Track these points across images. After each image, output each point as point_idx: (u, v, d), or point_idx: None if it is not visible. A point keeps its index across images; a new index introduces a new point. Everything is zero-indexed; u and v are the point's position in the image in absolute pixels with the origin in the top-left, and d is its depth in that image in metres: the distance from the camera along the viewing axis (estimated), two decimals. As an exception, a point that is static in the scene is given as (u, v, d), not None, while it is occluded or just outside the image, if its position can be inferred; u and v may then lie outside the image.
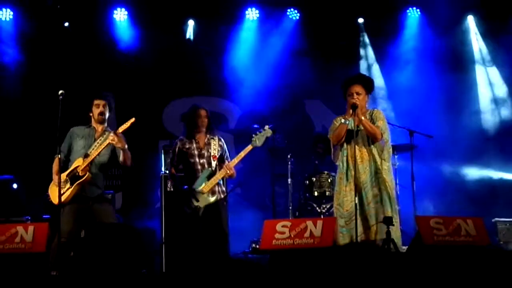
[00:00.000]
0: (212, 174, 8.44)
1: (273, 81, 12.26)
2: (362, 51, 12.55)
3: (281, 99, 12.20)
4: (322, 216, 9.96)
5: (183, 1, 12.16)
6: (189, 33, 12.29)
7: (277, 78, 12.27)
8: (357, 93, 7.98)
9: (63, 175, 8.02)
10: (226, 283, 5.77)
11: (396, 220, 7.87)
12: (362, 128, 7.96)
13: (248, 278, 5.80)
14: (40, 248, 7.08)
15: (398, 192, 10.33)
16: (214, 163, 8.52)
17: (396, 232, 7.81)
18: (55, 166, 8.10)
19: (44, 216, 9.81)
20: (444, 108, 11.77)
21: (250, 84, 12.31)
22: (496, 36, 12.07)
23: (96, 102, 8.30)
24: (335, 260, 6.25)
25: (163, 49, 12.30)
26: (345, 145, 8.06)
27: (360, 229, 7.77)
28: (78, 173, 7.94)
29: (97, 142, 8.12)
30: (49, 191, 8.18)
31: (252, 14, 12.25)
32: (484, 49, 12.22)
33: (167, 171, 9.08)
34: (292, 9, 12.22)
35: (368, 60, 12.55)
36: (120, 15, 12.05)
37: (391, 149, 8.21)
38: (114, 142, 7.97)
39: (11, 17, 11.74)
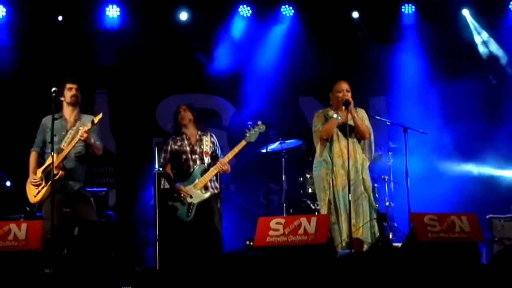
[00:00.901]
0: (205, 170, 8.44)
1: (266, 77, 12.24)
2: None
3: (274, 96, 12.18)
4: (316, 213, 9.94)
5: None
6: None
7: (271, 75, 12.25)
8: (347, 90, 8.06)
9: (39, 171, 8.03)
10: (220, 278, 5.77)
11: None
12: (352, 124, 8.01)
13: (242, 273, 5.79)
14: (34, 245, 7.06)
15: (392, 189, 10.35)
16: (206, 159, 8.53)
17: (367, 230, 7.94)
18: (32, 162, 8.11)
19: (37, 214, 9.78)
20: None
21: (244, 81, 12.29)
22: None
23: (68, 85, 8.18)
24: (329, 256, 6.24)
25: (155, 46, 12.27)
26: (331, 140, 8.08)
27: (346, 227, 7.82)
28: (51, 171, 7.86)
29: (69, 133, 8.01)
30: (27, 189, 8.16)
31: (245, 10, 12.20)
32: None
33: (161, 169, 9.07)
34: (286, 6, 12.18)
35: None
36: (113, 12, 12.01)
37: (373, 150, 8.29)
38: (83, 138, 7.85)
39: (4, 14, 11.69)
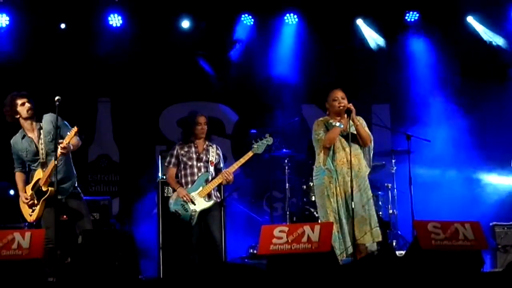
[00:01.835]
0: (209, 179, 8.46)
1: (270, 85, 12.26)
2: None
3: (278, 104, 12.19)
4: (319, 221, 9.93)
5: (179, 5, 12.13)
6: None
7: (274, 83, 12.26)
8: (342, 98, 8.12)
9: (28, 189, 8.04)
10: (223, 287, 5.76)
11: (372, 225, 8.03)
12: (354, 132, 8.03)
13: (245, 283, 5.79)
14: (37, 254, 7.06)
15: (396, 196, 10.34)
16: (211, 169, 8.55)
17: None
18: (19, 182, 8.12)
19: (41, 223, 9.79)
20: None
21: (247, 89, 12.31)
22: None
23: (20, 101, 7.97)
24: (333, 265, 6.24)
25: (158, 54, 12.28)
26: (333, 148, 8.10)
27: (351, 234, 7.82)
28: (41, 187, 7.87)
29: (41, 144, 7.91)
30: (21, 208, 8.16)
31: (247, 19, 12.21)
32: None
33: (164, 177, 9.08)
34: (290, 14, 12.18)
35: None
36: (115, 21, 12.03)
37: (371, 157, 8.33)
38: (64, 152, 7.77)
39: (7, 22, 11.71)
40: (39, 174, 7.95)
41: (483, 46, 12.11)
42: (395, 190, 10.33)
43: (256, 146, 8.41)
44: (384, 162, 10.39)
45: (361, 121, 8.23)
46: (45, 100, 8.53)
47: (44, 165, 7.93)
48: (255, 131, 9.94)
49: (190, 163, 8.53)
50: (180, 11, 12.15)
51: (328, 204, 8.10)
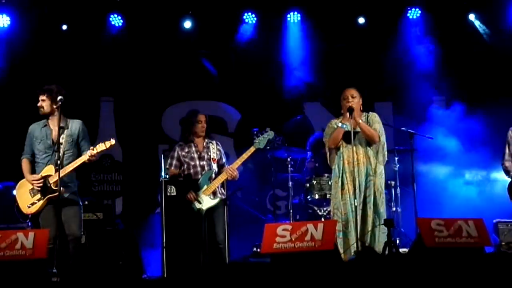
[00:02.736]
0: (212, 177, 8.46)
1: (272, 83, 12.26)
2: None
3: (280, 102, 12.20)
4: (323, 219, 9.94)
5: (181, 4, 12.13)
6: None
7: (277, 81, 12.26)
8: (352, 96, 8.10)
9: (38, 178, 7.95)
10: (226, 286, 5.76)
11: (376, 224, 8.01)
12: (359, 131, 8.04)
13: (249, 281, 5.79)
14: (41, 254, 7.07)
15: (399, 194, 10.34)
16: (214, 166, 8.55)
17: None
18: (25, 167, 8.01)
19: (29, 223, 9.79)
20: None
21: (250, 87, 12.31)
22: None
23: (39, 97, 8.04)
24: (336, 263, 6.24)
25: (161, 54, 12.29)
26: (341, 148, 8.14)
27: (354, 231, 7.83)
28: (50, 184, 7.79)
29: (61, 143, 7.87)
30: (17, 195, 8.10)
31: (250, 17, 12.20)
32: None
33: (167, 176, 9.08)
34: (293, 12, 12.16)
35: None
36: (117, 21, 12.03)
37: (386, 153, 8.28)
38: (88, 162, 7.81)
39: (8, 23, 11.71)
40: (50, 170, 7.85)
41: (486, 43, 12.09)
42: (398, 188, 10.32)
43: (257, 141, 8.40)
44: (386, 159, 10.38)
45: (372, 118, 8.22)
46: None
47: (58, 163, 7.83)
48: (257, 129, 9.92)
49: (192, 163, 8.53)
50: (182, 10, 12.15)
51: (332, 203, 8.14)
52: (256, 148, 8.41)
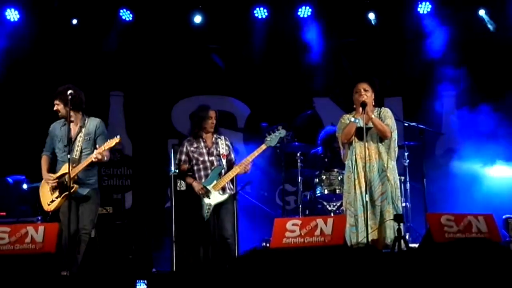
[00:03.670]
0: (222, 172, 8.47)
1: (282, 78, 12.24)
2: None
3: (290, 97, 12.19)
4: (332, 214, 9.93)
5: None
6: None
7: (286, 76, 12.25)
8: (365, 90, 8.03)
9: (53, 176, 8.08)
10: (235, 280, 5.76)
11: None
12: (372, 126, 7.99)
13: (260, 275, 5.79)
14: (51, 248, 7.09)
15: (408, 189, 10.32)
16: (223, 161, 8.55)
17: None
18: (44, 164, 8.20)
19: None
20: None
21: (259, 82, 12.30)
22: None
23: (54, 101, 8.20)
24: (346, 258, 6.23)
25: (170, 48, 12.29)
26: (353, 143, 8.10)
27: (369, 227, 7.79)
28: (67, 182, 7.88)
29: (78, 141, 8.02)
30: (40, 193, 8.23)
31: (261, 12, 12.16)
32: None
33: (177, 171, 9.08)
34: (304, 7, 12.10)
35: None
36: (126, 15, 12.03)
37: (397, 148, 8.24)
38: (96, 160, 7.95)
39: (18, 17, 11.71)
40: (66, 168, 7.91)
41: (497, 38, 12.03)
42: (408, 183, 10.29)
43: (269, 139, 8.41)
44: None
45: (385, 113, 8.17)
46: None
47: (75, 161, 7.96)
48: (265, 124, 9.90)
49: (201, 158, 8.53)
50: (192, 5, 12.13)
51: (345, 198, 8.12)
52: (267, 146, 8.43)
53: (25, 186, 10.59)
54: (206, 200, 8.35)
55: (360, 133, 7.99)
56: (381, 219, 7.90)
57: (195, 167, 8.57)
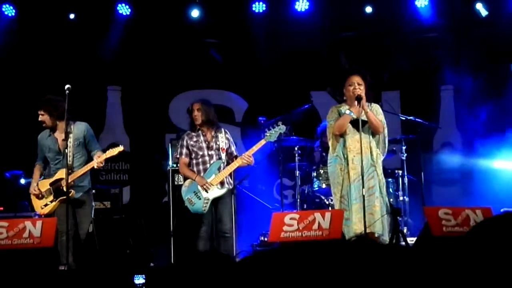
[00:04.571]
0: (221, 166, 8.46)
1: (280, 72, 12.24)
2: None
3: (287, 91, 12.18)
4: (330, 208, 9.93)
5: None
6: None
7: (284, 70, 12.24)
8: (359, 84, 8.02)
9: (47, 183, 8.18)
10: (234, 276, 5.76)
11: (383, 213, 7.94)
12: (365, 119, 7.99)
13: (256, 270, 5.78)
14: (49, 243, 7.09)
15: (406, 183, 10.32)
16: (223, 155, 8.53)
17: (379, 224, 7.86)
18: (35, 174, 8.35)
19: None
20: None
21: (257, 77, 12.29)
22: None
23: (38, 112, 8.27)
24: (343, 252, 6.23)
25: (168, 43, 12.28)
26: (344, 135, 8.08)
27: (358, 221, 7.78)
28: (62, 187, 7.99)
29: (69, 147, 8.07)
30: (32, 198, 8.35)
31: (259, 6, 12.14)
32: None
33: (175, 165, 9.07)
34: (300, 0, 12.08)
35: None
36: (124, 10, 12.01)
37: (387, 145, 8.25)
38: (97, 167, 8.09)
39: (13, 12, 11.69)
40: (62, 174, 8.04)
41: (494, 31, 12.02)
42: (405, 177, 10.30)
43: (268, 134, 8.40)
44: (394, 149, 10.36)
45: (375, 108, 8.19)
46: (56, 89, 8.55)
47: (69, 167, 7.99)
48: (264, 118, 9.89)
49: (201, 152, 8.51)
50: (191, 4, 12.11)
51: (336, 191, 8.09)
52: (266, 141, 8.43)
53: (23, 181, 10.59)
54: (204, 194, 8.35)
55: (352, 126, 8.01)
56: (368, 213, 7.91)
57: (194, 161, 8.55)
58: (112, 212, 9.94)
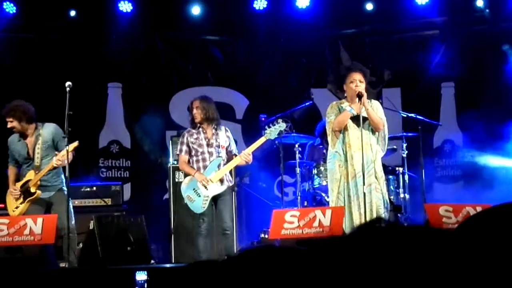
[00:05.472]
0: (221, 164, 8.45)
1: (280, 70, 12.24)
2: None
3: (288, 88, 12.18)
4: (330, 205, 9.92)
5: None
6: None
7: (285, 67, 12.24)
8: (360, 81, 8.03)
9: (18, 185, 8.28)
10: (234, 272, 5.76)
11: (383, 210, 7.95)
12: (365, 116, 8.00)
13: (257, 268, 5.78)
14: (49, 240, 7.11)
15: (407, 180, 10.32)
16: (223, 153, 8.52)
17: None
18: (11, 175, 8.46)
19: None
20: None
21: (257, 74, 12.29)
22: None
23: (6, 119, 8.34)
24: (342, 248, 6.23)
25: (169, 39, 12.28)
26: (344, 132, 8.08)
27: (358, 217, 7.77)
28: (30, 188, 8.13)
29: (37, 151, 8.20)
30: (6, 200, 8.44)
31: (260, 3, 12.12)
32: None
33: (175, 162, 9.07)
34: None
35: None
36: (126, 7, 11.99)
37: (386, 142, 8.25)
38: (57, 166, 8.12)
39: (14, 9, 11.68)
40: (31, 175, 8.19)
41: (495, 29, 12.01)
42: (406, 174, 10.29)
43: (269, 132, 8.39)
44: (395, 146, 10.35)
45: (376, 106, 8.19)
46: (56, 86, 8.55)
47: (37, 168, 8.18)
48: (264, 116, 9.88)
49: (200, 149, 8.50)
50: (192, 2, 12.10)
51: (334, 187, 8.08)
52: (267, 139, 8.42)
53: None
54: (203, 192, 8.34)
55: (353, 122, 8.02)
56: (368, 209, 7.90)
57: (194, 158, 8.54)
58: (113, 209, 9.94)
